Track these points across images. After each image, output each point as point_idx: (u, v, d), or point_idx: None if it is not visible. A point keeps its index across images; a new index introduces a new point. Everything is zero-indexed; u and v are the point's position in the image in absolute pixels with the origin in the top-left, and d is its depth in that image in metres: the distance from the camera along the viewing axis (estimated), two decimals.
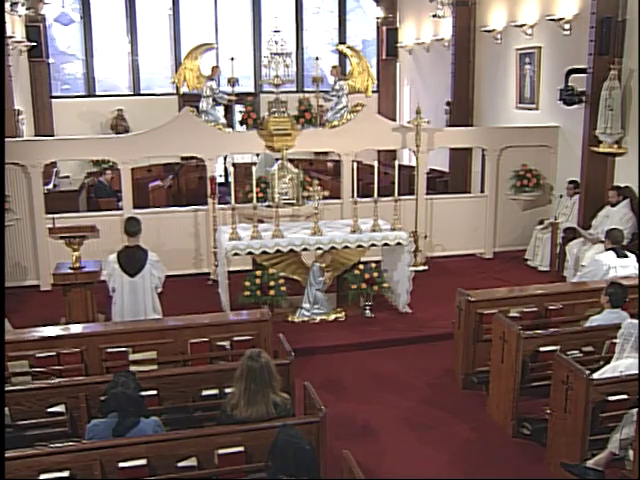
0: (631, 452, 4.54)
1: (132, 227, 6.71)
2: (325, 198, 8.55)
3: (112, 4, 16.53)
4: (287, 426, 3.89)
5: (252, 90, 16.61)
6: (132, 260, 6.63)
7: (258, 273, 8.04)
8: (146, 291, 6.66)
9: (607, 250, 7.21)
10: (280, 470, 3.62)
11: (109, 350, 5.62)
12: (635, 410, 4.54)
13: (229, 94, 10.78)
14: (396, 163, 8.59)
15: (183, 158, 14.16)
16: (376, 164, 8.59)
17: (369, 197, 8.81)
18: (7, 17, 12.33)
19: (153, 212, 10.18)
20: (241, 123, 10.16)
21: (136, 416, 4.23)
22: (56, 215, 8.66)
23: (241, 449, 4.19)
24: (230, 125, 11.92)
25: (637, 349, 5.04)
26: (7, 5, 12.13)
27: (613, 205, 9.00)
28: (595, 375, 4.97)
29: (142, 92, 16.82)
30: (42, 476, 3.91)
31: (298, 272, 8.48)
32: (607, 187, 9.29)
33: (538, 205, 10.95)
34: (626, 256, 7.12)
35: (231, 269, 8.20)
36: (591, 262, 7.44)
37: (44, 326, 5.93)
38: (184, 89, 10.75)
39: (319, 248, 8.19)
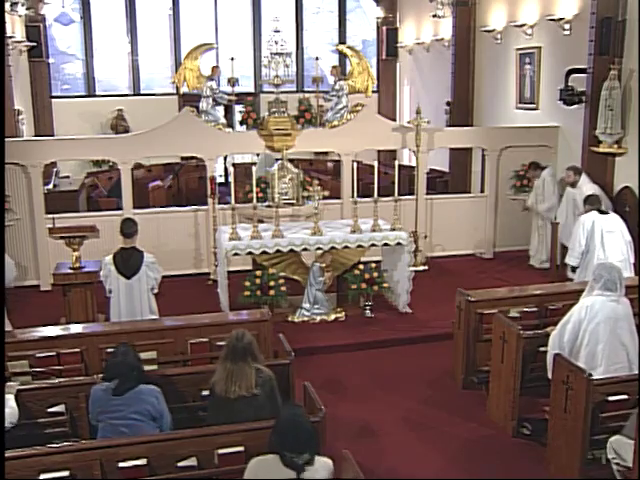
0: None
1: (128, 228, 6.64)
2: (325, 198, 8.55)
3: (112, 4, 16.56)
4: (291, 405, 3.92)
5: (252, 90, 16.62)
6: (128, 262, 6.58)
7: (258, 273, 8.04)
8: (142, 293, 6.63)
9: (587, 212, 7.59)
10: (281, 445, 3.61)
11: (109, 350, 5.61)
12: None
13: (229, 94, 10.78)
14: (396, 163, 8.60)
15: (183, 158, 14.16)
16: (376, 164, 8.58)
17: (369, 197, 8.80)
18: (7, 17, 12.34)
19: (153, 212, 10.18)
20: (241, 123, 10.17)
21: (136, 382, 4.44)
22: (56, 215, 8.66)
23: (241, 449, 4.19)
24: (230, 125, 11.92)
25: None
26: (7, 5, 12.15)
27: (572, 186, 9.14)
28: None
29: (142, 92, 16.84)
30: (42, 476, 3.91)
31: (298, 272, 8.48)
32: (606, 186, 9.27)
33: None
34: (608, 213, 7.62)
35: (231, 269, 8.18)
36: (576, 224, 7.70)
37: (44, 326, 5.94)
38: (184, 89, 10.77)
39: (319, 248, 8.19)
